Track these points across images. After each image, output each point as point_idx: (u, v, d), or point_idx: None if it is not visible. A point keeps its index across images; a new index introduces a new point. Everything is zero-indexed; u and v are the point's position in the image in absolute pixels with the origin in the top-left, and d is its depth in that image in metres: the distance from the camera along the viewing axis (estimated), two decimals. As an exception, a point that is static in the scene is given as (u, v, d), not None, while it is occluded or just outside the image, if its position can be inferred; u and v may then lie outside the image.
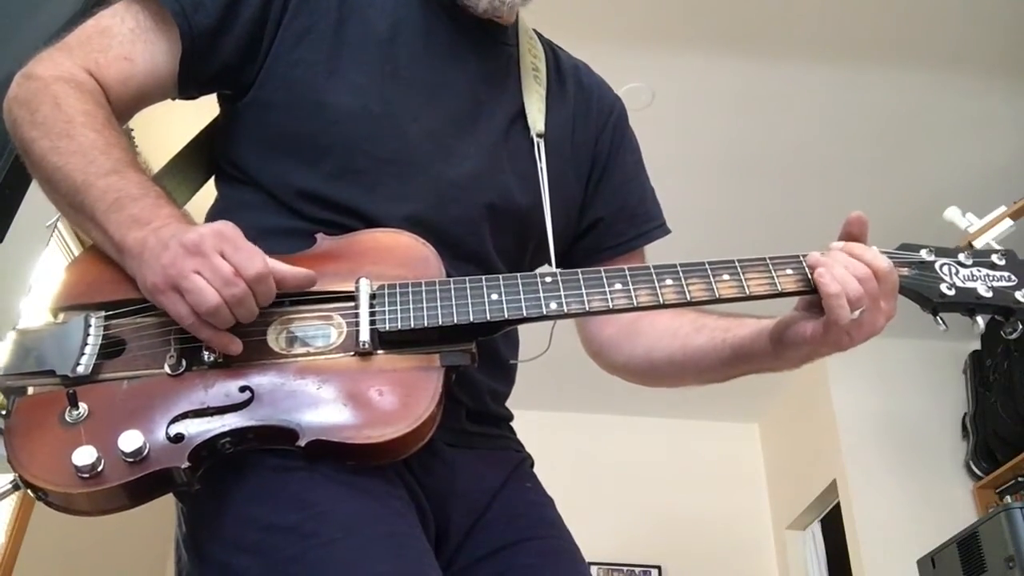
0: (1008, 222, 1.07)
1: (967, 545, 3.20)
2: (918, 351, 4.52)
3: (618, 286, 0.94)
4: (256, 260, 0.84)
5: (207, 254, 0.83)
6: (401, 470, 0.94)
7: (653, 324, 1.15)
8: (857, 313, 0.92)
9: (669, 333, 1.12)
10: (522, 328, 1.16)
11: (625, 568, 4.97)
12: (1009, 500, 3.85)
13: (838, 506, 4.45)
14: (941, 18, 3.06)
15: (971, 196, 1.89)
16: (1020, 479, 3.95)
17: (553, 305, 0.92)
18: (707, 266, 0.95)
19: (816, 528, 4.93)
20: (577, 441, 5.17)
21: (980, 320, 0.98)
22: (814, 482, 4.64)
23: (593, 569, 4.92)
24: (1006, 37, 3.12)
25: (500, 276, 0.94)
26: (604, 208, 1.22)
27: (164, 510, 0.99)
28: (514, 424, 1.18)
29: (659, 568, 4.98)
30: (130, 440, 0.79)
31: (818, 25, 3.12)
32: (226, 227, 0.85)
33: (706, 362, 1.08)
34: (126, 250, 0.88)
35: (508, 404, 1.17)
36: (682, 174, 3.71)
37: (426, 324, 0.89)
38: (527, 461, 1.14)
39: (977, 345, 4.42)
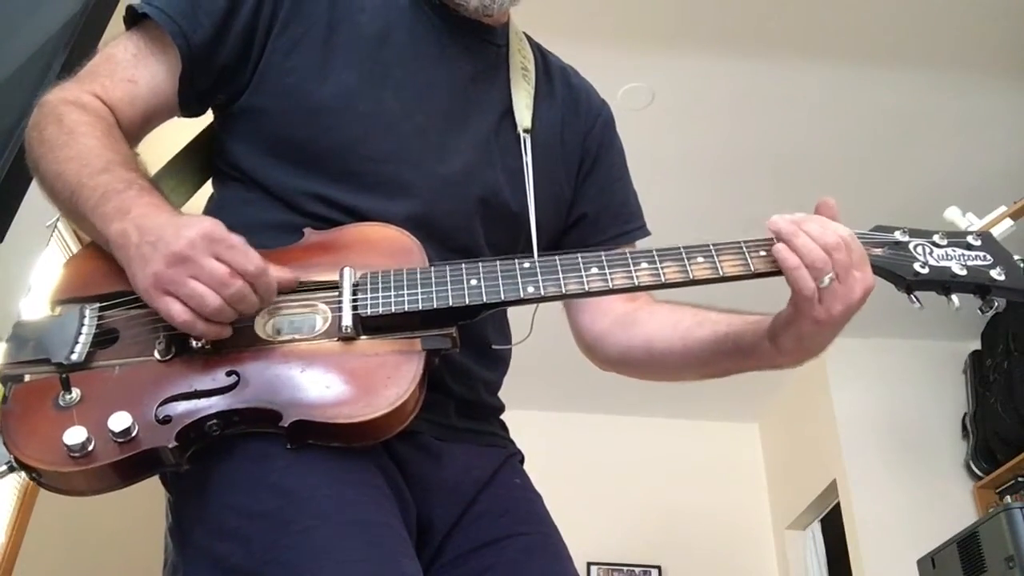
0: (1008, 222, 1.06)
1: (967, 545, 3.20)
2: (918, 351, 4.54)
3: (594, 270, 0.96)
4: (251, 256, 0.86)
5: (197, 258, 0.85)
6: (384, 461, 0.96)
7: (652, 316, 1.16)
8: (828, 281, 0.92)
9: (670, 324, 1.13)
10: (512, 319, 1.18)
11: (625, 568, 4.98)
12: (1009, 500, 3.85)
13: (838, 506, 4.46)
14: (940, 18, 3.06)
15: (971, 196, 1.89)
16: (1020, 479, 3.96)
17: (530, 288, 0.94)
18: (682, 250, 0.97)
19: (816, 528, 4.94)
20: (577, 441, 5.18)
21: (955, 298, 0.98)
22: (814, 482, 4.65)
23: (593, 569, 4.92)
24: (1005, 37, 3.12)
25: (480, 262, 0.96)
26: (589, 205, 1.24)
27: (164, 510, 0.99)
28: (515, 424, 1.18)
29: (659, 568, 4.99)
30: (119, 421, 0.83)
31: (818, 25, 3.12)
32: (214, 228, 0.87)
33: (708, 355, 1.08)
34: (112, 242, 0.90)
35: (509, 404, 1.18)
36: (682, 173, 3.71)
37: (406, 308, 0.91)
38: (516, 456, 1.15)
39: (977, 345, 4.42)
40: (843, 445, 4.39)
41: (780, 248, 0.94)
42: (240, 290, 0.85)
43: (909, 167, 3.67)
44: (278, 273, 0.90)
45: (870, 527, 4.16)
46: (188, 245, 0.85)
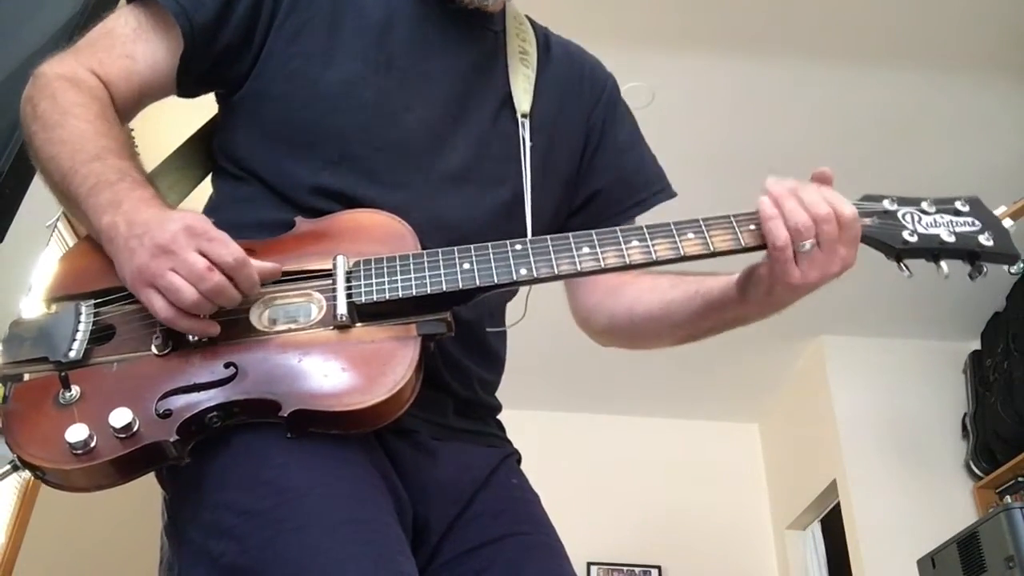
0: (1008, 222, 1.06)
1: (967, 545, 3.20)
2: (918, 351, 4.53)
3: (586, 249, 0.96)
4: (231, 248, 0.87)
5: (179, 252, 0.85)
6: (381, 460, 0.96)
7: (634, 284, 1.18)
8: (808, 246, 0.92)
9: (648, 289, 1.15)
10: (509, 317, 1.19)
11: (625, 568, 4.98)
12: (1009, 500, 3.85)
13: (838, 506, 4.46)
14: (940, 18, 3.06)
15: (971, 196, 1.89)
16: (1020, 479, 3.95)
17: (523, 271, 0.94)
18: (672, 226, 0.98)
19: (816, 528, 4.94)
20: (577, 441, 5.18)
21: (944, 265, 0.99)
22: (814, 482, 4.65)
23: (593, 569, 4.92)
24: (1005, 37, 3.12)
25: (472, 247, 0.96)
26: (600, 180, 1.24)
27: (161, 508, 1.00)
28: (514, 424, 1.18)
29: (659, 568, 4.98)
30: (120, 417, 0.83)
31: (818, 25, 3.12)
32: (196, 221, 0.88)
33: (681, 314, 1.10)
34: (102, 234, 0.91)
35: (508, 404, 1.18)
36: (682, 173, 3.70)
37: (400, 295, 0.92)
38: (514, 456, 1.16)
39: (977, 345, 4.41)
40: (843, 445, 4.39)
41: (763, 200, 0.95)
42: (217, 284, 0.85)
43: (909, 167, 3.66)
44: (259, 264, 0.90)
45: (870, 527, 4.16)
46: (171, 238, 0.85)
